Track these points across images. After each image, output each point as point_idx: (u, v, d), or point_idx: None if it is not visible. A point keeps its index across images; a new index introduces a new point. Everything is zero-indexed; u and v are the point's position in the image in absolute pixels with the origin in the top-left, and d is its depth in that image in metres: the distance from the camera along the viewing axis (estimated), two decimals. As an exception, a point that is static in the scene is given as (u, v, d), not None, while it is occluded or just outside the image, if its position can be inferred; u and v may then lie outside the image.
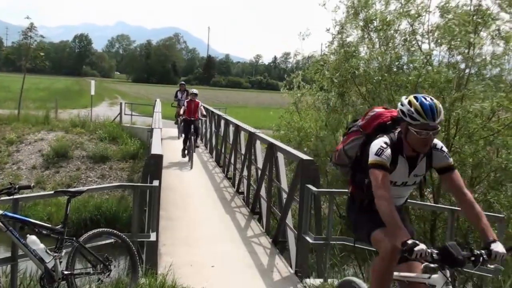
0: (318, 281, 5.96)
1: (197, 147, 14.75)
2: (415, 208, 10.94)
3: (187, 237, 7.82)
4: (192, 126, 13.95)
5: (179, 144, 15.40)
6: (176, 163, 14.06)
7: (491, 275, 5.46)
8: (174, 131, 20.09)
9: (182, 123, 15.00)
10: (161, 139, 9.61)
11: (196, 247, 7.40)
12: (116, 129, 23.57)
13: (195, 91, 14.70)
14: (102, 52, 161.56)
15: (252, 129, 10.90)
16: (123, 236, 5.20)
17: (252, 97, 71.68)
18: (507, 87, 10.21)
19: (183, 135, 14.72)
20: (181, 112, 14.31)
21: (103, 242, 5.21)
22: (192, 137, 13.72)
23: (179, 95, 19.45)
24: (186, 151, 14.12)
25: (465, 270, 5.75)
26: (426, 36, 11.22)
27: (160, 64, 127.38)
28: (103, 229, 5.22)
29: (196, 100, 14.27)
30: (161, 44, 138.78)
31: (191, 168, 13.45)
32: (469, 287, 10.66)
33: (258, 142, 10.32)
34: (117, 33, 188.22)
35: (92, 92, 28.64)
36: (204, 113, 14.59)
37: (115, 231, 5.18)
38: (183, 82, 20.88)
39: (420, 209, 10.86)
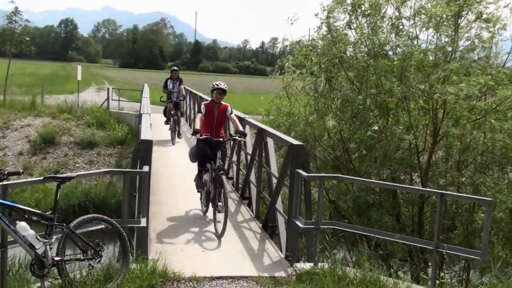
0: (308, 265, 6.01)
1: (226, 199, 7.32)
2: (403, 192, 11.06)
3: (177, 223, 7.82)
4: (218, 155, 7.61)
5: (165, 128, 15.43)
6: (166, 148, 14.00)
7: (478, 258, 5.53)
8: (163, 117, 19.91)
9: (197, 147, 8.11)
10: (150, 124, 9.54)
11: (186, 233, 7.40)
12: (104, 115, 23.40)
13: (221, 85, 7.91)
14: (88, 37, 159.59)
15: (241, 115, 10.87)
16: (114, 222, 5.18)
17: (240, 82, 71.40)
18: (494, 69, 10.30)
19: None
20: (197, 125, 7.66)
21: (94, 228, 5.19)
22: (217, 183, 7.43)
23: (170, 84, 15.14)
24: (211, 210, 7.76)
25: (452, 252, 5.84)
26: (412, 20, 11.25)
27: (147, 49, 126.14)
28: (93, 215, 5.21)
29: (223, 103, 8.04)
30: (148, 29, 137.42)
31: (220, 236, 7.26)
32: (456, 269, 10.84)
33: (247, 127, 10.30)
34: (103, 18, 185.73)
35: (79, 78, 28.34)
36: (241, 128, 8.06)
37: (105, 217, 5.17)
38: (175, 68, 15.81)
39: (409, 193, 10.98)
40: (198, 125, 7.66)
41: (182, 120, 17.11)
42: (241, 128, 8.06)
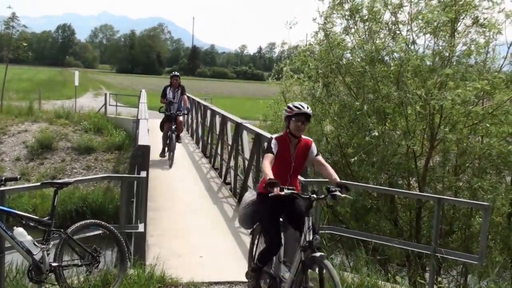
0: (306, 270, 5.99)
1: None
2: (401, 197, 11.07)
3: (175, 228, 7.82)
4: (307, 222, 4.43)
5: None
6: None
7: (476, 262, 5.54)
8: (158, 122, 19.82)
9: (268, 209, 4.78)
10: (148, 129, 9.55)
11: (184, 238, 7.40)
12: (101, 120, 23.40)
13: (305, 107, 4.77)
14: (86, 42, 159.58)
15: (239, 120, 10.89)
16: (111, 227, 5.18)
17: (237, 88, 71.52)
18: (490, 74, 10.34)
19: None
20: (269, 172, 4.51)
21: (91, 234, 5.19)
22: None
23: (170, 93, 12.52)
24: None
25: (450, 257, 5.84)
26: (409, 25, 11.30)
27: (144, 55, 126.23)
28: (91, 220, 5.20)
29: (303, 137, 5.03)
30: (146, 35, 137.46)
31: None
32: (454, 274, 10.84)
33: (245, 132, 10.32)
34: (100, 23, 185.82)
35: (76, 83, 28.36)
36: (337, 177, 4.90)
37: (103, 223, 5.16)
38: (176, 73, 12.98)
39: (406, 197, 10.99)
40: (270, 173, 4.50)
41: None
42: (336, 176, 4.91)
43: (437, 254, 5.37)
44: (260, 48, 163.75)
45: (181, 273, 5.74)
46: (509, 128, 10.53)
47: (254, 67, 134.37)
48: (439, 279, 6.84)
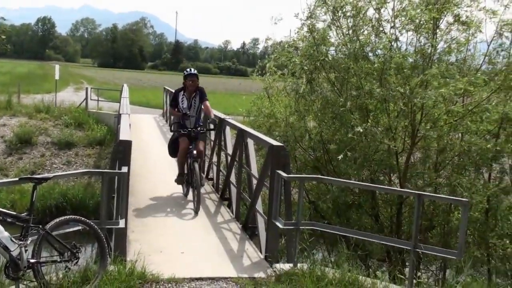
0: (287, 266, 6.03)
1: None
2: (382, 192, 11.17)
3: (156, 224, 7.77)
4: None
5: (147, 129, 15.14)
6: (145, 149, 13.89)
7: (454, 257, 5.61)
8: (143, 117, 19.77)
9: None
10: (129, 124, 9.46)
11: (166, 234, 7.35)
12: (82, 115, 23.13)
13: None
14: (67, 36, 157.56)
15: (221, 115, 10.85)
16: (91, 223, 5.12)
17: (220, 83, 71.33)
18: (470, 73, 10.47)
19: None
20: None
21: (71, 230, 5.12)
22: None
23: (184, 101, 8.91)
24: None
25: (429, 252, 5.90)
26: (392, 22, 11.37)
27: (126, 49, 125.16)
28: (70, 216, 5.13)
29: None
30: (128, 29, 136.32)
31: None
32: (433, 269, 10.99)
33: (227, 128, 10.28)
34: (82, 17, 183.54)
35: (57, 77, 27.97)
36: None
37: (82, 218, 5.10)
38: (192, 71, 8.94)
39: (387, 193, 11.08)
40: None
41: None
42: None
43: (416, 250, 5.41)
44: (244, 44, 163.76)
45: (162, 269, 5.71)
46: (488, 125, 10.68)
47: (238, 62, 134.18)
48: (419, 274, 6.91)
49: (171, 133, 9.35)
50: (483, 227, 10.47)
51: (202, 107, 8.93)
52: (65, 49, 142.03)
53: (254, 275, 5.89)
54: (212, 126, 9.30)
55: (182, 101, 8.88)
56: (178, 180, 9.25)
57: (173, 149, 9.22)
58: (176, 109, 8.96)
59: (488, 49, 11.10)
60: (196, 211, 8.16)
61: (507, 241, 9.71)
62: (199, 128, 8.85)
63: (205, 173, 11.52)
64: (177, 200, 9.32)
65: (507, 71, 10.39)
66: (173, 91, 14.98)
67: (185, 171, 9.00)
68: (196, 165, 8.45)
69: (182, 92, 8.91)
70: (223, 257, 6.56)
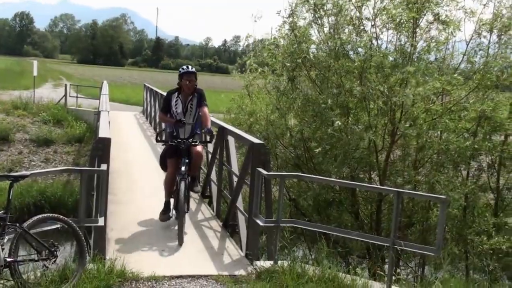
0: (268, 263, 6.03)
1: None
2: (362, 190, 11.26)
3: (136, 222, 7.71)
4: None
5: (127, 126, 14.99)
6: (125, 146, 13.78)
7: (432, 254, 5.68)
8: (123, 114, 19.57)
9: None
10: (109, 121, 9.37)
11: (146, 232, 7.30)
12: (61, 112, 22.83)
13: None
14: (45, 31, 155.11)
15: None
16: (69, 221, 5.06)
17: (202, 80, 70.92)
18: (449, 71, 10.62)
19: None
20: None
21: (49, 228, 5.05)
22: None
23: (178, 105, 7.28)
24: None
25: (407, 249, 5.96)
26: (372, 20, 11.46)
27: (106, 45, 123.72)
28: (48, 214, 5.06)
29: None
30: (108, 25, 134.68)
31: None
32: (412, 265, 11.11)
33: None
34: (60, 12, 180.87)
35: (35, 73, 27.53)
36: None
37: (61, 216, 5.04)
38: (190, 68, 7.37)
39: (367, 191, 11.17)
40: None
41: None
42: None
43: (395, 246, 5.47)
44: (225, 41, 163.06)
45: (142, 267, 5.67)
46: (466, 124, 10.85)
47: (219, 60, 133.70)
48: (398, 270, 6.98)
49: (161, 143, 7.50)
50: (461, 224, 10.64)
51: (200, 113, 7.23)
52: (43, 45, 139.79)
53: (234, 273, 5.89)
54: (208, 138, 7.26)
55: (176, 105, 7.16)
56: (164, 216, 7.36)
57: (163, 164, 7.69)
58: (168, 115, 7.21)
59: (467, 48, 11.28)
60: (179, 243, 6.67)
61: (484, 238, 9.88)
62: (190, 140, 7.06)
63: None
64: (158, 198, 9.26)
65: (484, 70, 10.56)
66: (159, 91, 14.18)
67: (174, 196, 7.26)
68: (183, 183, 6.69)
69: (176, 94, 7.19)
70: (204, 254, 6.54)
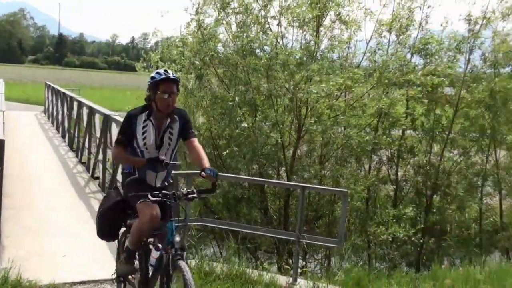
0: (176, 263, 5.94)
1: None
2: (270, 186, 11.47)
3: (35, 227, 7.28)
4: None
5: (27, 127, 14.14)
6: (23, 148, 12.99)
7: (335, 245, 5.89)
8: (22, 114, 18.37)
9: None
10: (3, 122, 8.78)
11: (46, 237, 6.92)
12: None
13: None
14: None
15: (107, 112, 10.45)
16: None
17: (109, 78, 68.84)
18: (351, 69, 11.11)
19: None
20: None
21: None
22: None
23: (150, 132, 4.11)
24: None
25: (311, 242, 6.15)
26: (278, 19, 11.70)
27: (4, 42, 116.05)
28: None
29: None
30: (5, 20, 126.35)
31: None
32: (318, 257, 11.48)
33: (114, 125, 9.92)
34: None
35: None
36: None
37: None
38: (170, 74, 4.04)
39: (275, 187, 11.39)
40: None
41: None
42: None
43: (300, 240, 5.62)
44: (133, 38, 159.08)
45: (41, 274, 5.36)
46: (367, 119, 11.40)
47: (127, 57, 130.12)
48: (305, 263, 7.19)
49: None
50: (364, 215, 11.16)
51: (188, 148, 4.32)
52: None
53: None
54: (209, 186, 4.08)
55: (144, 133, 4.14)
56: (126, 267, 4.47)
57: (110, 225, 4.50)
58: (125, 147, 4.16)
59: (367, 47, 11.86)
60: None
61: (384, 228, 10.43)
62: (185, 190, 4.09)
63: (91, 172, 11.05)
64: (59, 201, 8.83)
65: (383, 68, 11.16)
66: (61, 89, 13.26)
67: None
68: (185, 267, 3.66)
69: (143, 117, 4.14)
70: (108, 258, 6.30)
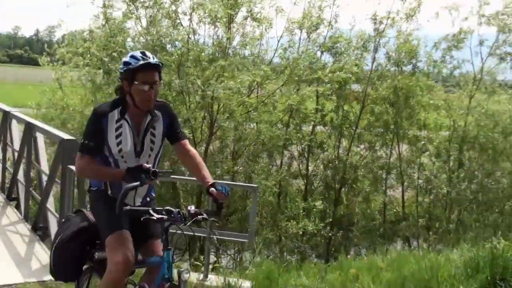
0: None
1: None
2: (183, 183, 11.37)
3: None
4: None
5: None
6: None
7: (246, 240, 5.95)
8: None
9: None
10: None
11: None
12: None
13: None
14: None
15: (6, 108, 9.80)
16: None
17: (10, 73, 64.79)
18: (262, 66, 11.28)
19: None
20: None
21: None
22: None
23: (122, 134, 3.01)
24: None
25: (222, 237, 6.17)
26: (189, 15, 11.61)
27: None
28: None
29: None
30: None
31: None
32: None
33: (14, 121, 9.33)
34: None
35: None
36: None
37: None
38: (151, 58, 2.95)
39: (187, 183, 11.32)
40: None
41: None
42: None
43: (211, 236, 5.61)
44: (38, 31, 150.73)
45: None
46: (278, 115, 11.63)
47: (31, 51, 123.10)
48: (217, 259, 7.20)
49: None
50: (275, 210, 11.39)
51: (177, 153, 3.42)
52: None
53: (43, 278, 5.45)
54: (214, 207, 3.05)
55: (118, 136, 3.04)
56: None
57: (70, 261, 3.22)
58: (98, 159, 3.04)
59: (278, 44, 12.10)
60: None
61: (294, 222, 10.70)
62: (192, 209, 2.90)
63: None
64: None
65: (293, 65, 11.42)
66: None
67: None
68: None
69: (116, 114, 3.05)
70: (8, 262, 5.93)
